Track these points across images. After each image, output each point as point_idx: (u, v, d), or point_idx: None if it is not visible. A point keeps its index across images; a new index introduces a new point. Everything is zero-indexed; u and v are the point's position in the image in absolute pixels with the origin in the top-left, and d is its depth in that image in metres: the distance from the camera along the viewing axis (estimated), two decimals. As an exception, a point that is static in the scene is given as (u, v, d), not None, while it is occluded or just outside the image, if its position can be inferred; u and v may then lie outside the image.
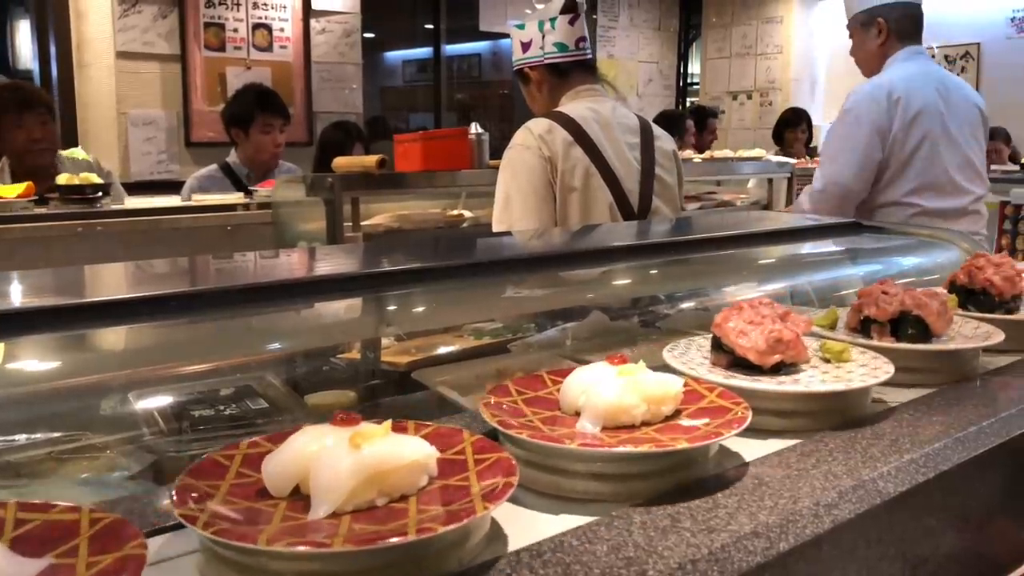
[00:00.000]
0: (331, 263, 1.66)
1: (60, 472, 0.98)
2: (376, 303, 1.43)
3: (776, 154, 5.36)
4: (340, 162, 2.79)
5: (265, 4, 5.70)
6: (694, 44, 9.10)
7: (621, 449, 0.80)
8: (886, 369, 1.05)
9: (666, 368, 1.01)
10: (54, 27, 5.22)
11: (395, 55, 9.10)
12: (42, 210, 2.83)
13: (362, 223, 2.60)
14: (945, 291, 1.40)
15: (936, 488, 0.90)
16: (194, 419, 1.11)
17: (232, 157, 3.80)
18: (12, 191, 2.82)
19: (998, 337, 1.21)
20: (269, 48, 5.74)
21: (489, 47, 9.08)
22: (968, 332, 1.27)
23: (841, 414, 1.01)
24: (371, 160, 2.62)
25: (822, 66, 8.32)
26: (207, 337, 1.26)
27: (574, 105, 2.21)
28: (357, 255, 1.77)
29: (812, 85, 8.37)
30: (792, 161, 4.47)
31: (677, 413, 0.90)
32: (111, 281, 1.41)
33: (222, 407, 1.15)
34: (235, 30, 5.58)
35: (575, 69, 2.27)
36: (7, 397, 1.03)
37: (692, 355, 1.11)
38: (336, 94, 6.12)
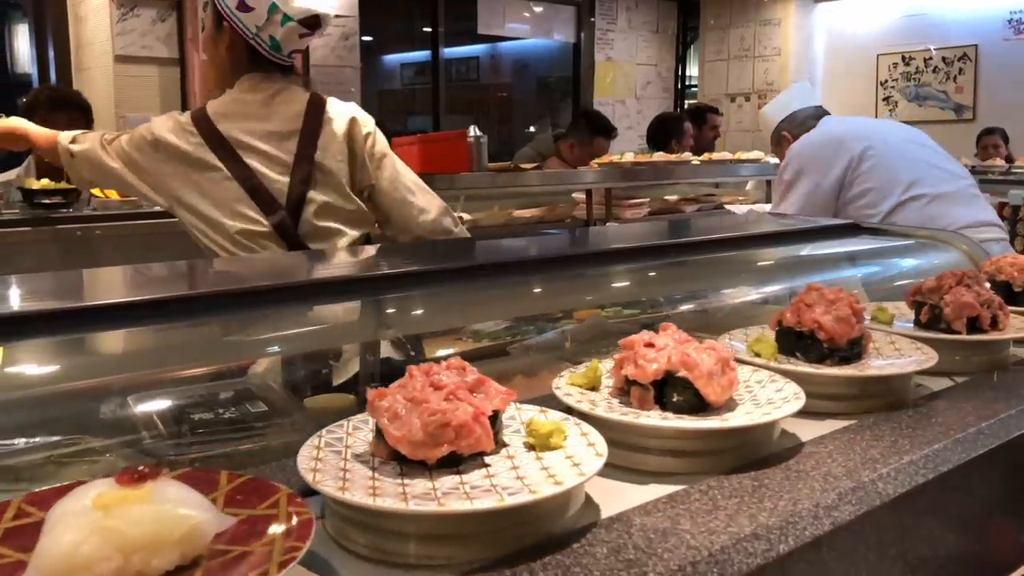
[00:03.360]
0: (330, 266, 1.66)
1: (59, 476, 0.98)
2: (375, 306, 1.43)
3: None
4: (339, 165, 2.78)
5: (263, 7, 5.69)
6: (692, 46, 9.11)
7: None
8: (591, 466, 0.75)
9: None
10: (52, 31, 5.22)
11: (393, 58, 9.11)
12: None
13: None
14: (770, 333, 1.15)
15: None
16: (193, 422, 1.11)
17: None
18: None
19: (793, 407, 0.91)
20: (267, 51, 5.73)
21: (487, 50, 9.09)
22: (766, 396, 0.95)
23: (497, 537, 0.71)
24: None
25: (820, 68, 8.33)
26: (206, 340, 1.26)
27: None
28: (355, 258, 1.78)
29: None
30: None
31: (215, 554, 0.63)
32: (109, 285, 1.40)
33: (221, 410, 1.15)
34: (233, 33, 5.57)
35: None
36: (6, 401, 1.03)
37: (354, 440, 0.81)
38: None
